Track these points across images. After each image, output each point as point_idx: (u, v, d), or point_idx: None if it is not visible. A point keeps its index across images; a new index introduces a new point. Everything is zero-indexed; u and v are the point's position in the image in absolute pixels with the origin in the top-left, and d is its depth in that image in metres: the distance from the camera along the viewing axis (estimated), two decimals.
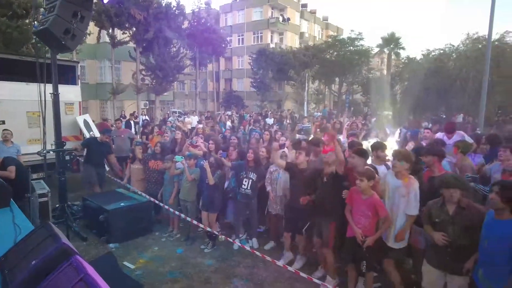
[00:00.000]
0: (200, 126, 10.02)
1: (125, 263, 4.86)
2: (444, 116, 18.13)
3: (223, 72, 42.25)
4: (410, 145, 5.81)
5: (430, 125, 10.67)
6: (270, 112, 19.69)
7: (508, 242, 2.60)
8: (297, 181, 4.61)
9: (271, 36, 38.69)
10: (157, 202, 5.68)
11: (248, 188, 5.19)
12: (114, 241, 5.44)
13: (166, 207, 5.62)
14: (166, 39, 21.25)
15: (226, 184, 5.70)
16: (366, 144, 5.60)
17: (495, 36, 18.16)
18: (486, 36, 12.99)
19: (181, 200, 5.66)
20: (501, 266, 2.66)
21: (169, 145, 7.14)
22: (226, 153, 5.96)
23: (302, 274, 3.52)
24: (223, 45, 29.86)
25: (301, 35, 42.02)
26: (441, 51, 23.74)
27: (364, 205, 3.65)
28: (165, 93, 24.86)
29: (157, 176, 6.22)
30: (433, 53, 24.53)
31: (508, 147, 4.26)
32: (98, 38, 20.77)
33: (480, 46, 19.40)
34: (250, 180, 5.20)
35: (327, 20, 48.25)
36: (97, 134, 9.20)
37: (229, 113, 18.49)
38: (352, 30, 35.29)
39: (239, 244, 4.84)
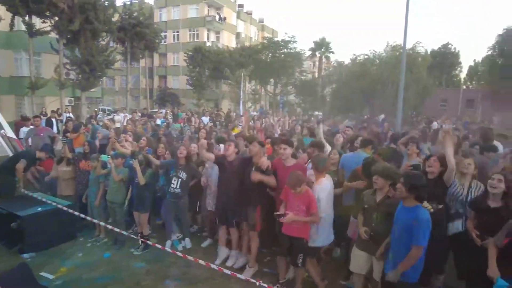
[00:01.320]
0: (125, 122, 9.58)
1: (43, 273, 4.42)
2: (367, 116, 19.74)
3: (157, 69, 40.81)
4: (339, 137, 6.25)
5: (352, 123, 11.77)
6: (206, 111, 19.51)
7: (410, 226, 2.92)
8: (226, 174, 4.66)
9: (208, 34, 38.39)
10: (70, 210, 5.06)
11: (177, 187, 5.05)
12: (29, 251, 4.91)
13: (82, 215, 5.08)
14: (94, 32, 19.73)
15: None
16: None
17: (409, 45, 20.39)
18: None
19: (108, 202, 5.31)
20: (405, 248, 2.97)
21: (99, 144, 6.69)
22: (151, 150, 5.75)
23: (225, 271, 3.55)
24: (157, 41, 28.80)
25: (238, 35, 42.39)
26: (366, 57, 25.89)
27: (299, 200, 3.77)
28: (93, 89, 23.09)
29: (87, 177, 5.72)
30: (359, 58, 26.65)
31: (415, 143, 4.81)
32: (12, 25, 18.41)
33: (397, 53, 21.57)
34: (180, 179, 5.06)
35: (263, 22, 49.31)
36: (9, 132, 8.25)
37: (162, 111, 17.83)
38: (286, 33, 36.63)
39: (168, 249, 4.64)
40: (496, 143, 5.84)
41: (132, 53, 27.15)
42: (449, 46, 43.11)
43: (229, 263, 4.74)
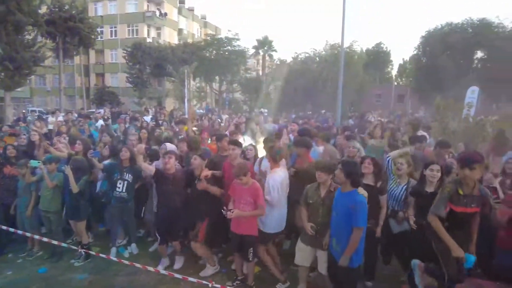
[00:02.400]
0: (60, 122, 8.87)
1: None
2: (310, 112, 20.52)
3: (93, 66, 38.24)
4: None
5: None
6: (149, 109, 18.72)
7: (349, 210, 3.10)
8: (168, 188, 4.39)
9: (148, 30, 36.87)
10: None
11: (123, 190, 4.80)
12: None
13: (12, 230, 4.59)
14: (17, 24, 17.81)
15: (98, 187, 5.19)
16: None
17: (346, 44, 21.56)
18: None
19: (41, 211, 4.86)
20: (346, 232, 3.15)
21: (25, 149, 6.12)
22: (99, 152, 5.40)
23: (176, 275, 3.47)
24: (93, 36, 26.96)
25: (180, 31, 41.33)
26: (307, 55, 26.86)
27: (247, 193, 3.81)
28: (19, 89, 20.93)
29: (14, 184, 5.18)
30: (300, 56, 27.55)
31: (349, 137, 5.13)
32: None
33: (336, 52, 22.70)
34: (126, 182, 4.81)
35: (205, 19, 48.66)
36: None
37: (101, 111, 16.75)
38: (229, 30, 36.52)
39: (114, 258, 4.39)
40: (422, 133, 6.42)
41: (65, 49, 25.20)
42: (382, 45, 46.41)
43: (177, 266, 4.63)
